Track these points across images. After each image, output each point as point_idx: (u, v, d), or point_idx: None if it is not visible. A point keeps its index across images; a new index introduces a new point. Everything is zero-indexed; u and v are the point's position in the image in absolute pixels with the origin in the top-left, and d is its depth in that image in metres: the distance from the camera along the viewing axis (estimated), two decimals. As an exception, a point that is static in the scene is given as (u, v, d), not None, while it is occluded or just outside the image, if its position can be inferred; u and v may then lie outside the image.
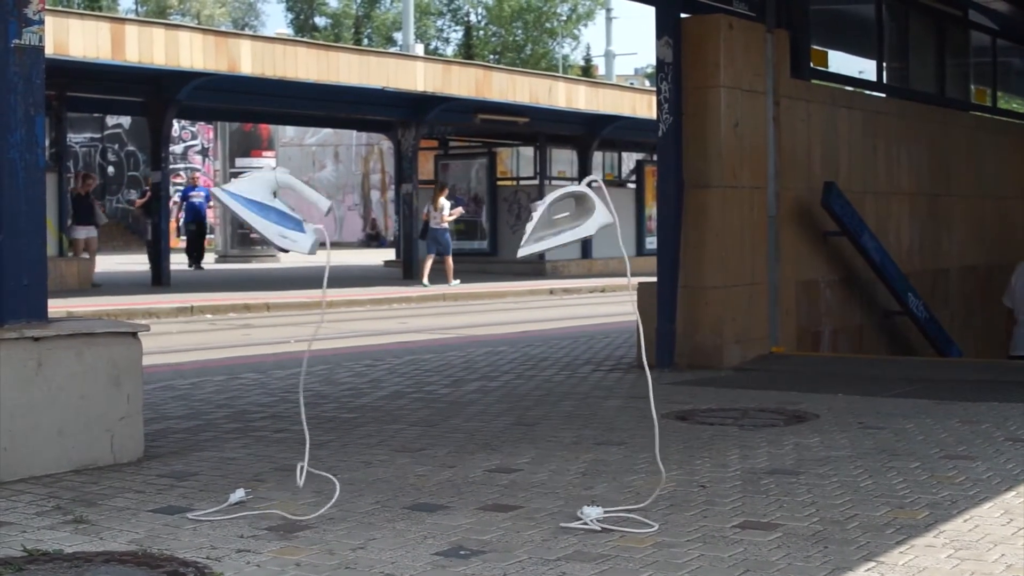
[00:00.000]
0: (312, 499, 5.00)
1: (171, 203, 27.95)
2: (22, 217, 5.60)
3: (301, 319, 17.37)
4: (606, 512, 4.62)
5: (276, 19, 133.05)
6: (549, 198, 4.76)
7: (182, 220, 30.78)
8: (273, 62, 22.01)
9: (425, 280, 23.50)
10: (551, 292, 23.66)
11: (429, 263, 23.95)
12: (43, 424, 5.54)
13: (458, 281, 23.61)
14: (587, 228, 4.72)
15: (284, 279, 25.27)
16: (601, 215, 4.70)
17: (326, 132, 51.52)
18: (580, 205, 4.77)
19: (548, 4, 73.95)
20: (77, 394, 5.69)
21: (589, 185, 4.86)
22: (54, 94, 20.99)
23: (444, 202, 24.07)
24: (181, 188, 30.36)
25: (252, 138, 35.70)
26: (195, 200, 29.22)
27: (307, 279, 25.37)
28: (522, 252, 4.80)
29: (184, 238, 31.51)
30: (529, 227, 4.71)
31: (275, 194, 4.74)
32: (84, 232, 22.25)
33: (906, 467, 5.67)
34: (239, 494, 4.86)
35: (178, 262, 28.29)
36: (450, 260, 24.09)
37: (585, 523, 4.52)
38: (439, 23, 77.48)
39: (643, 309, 10.30)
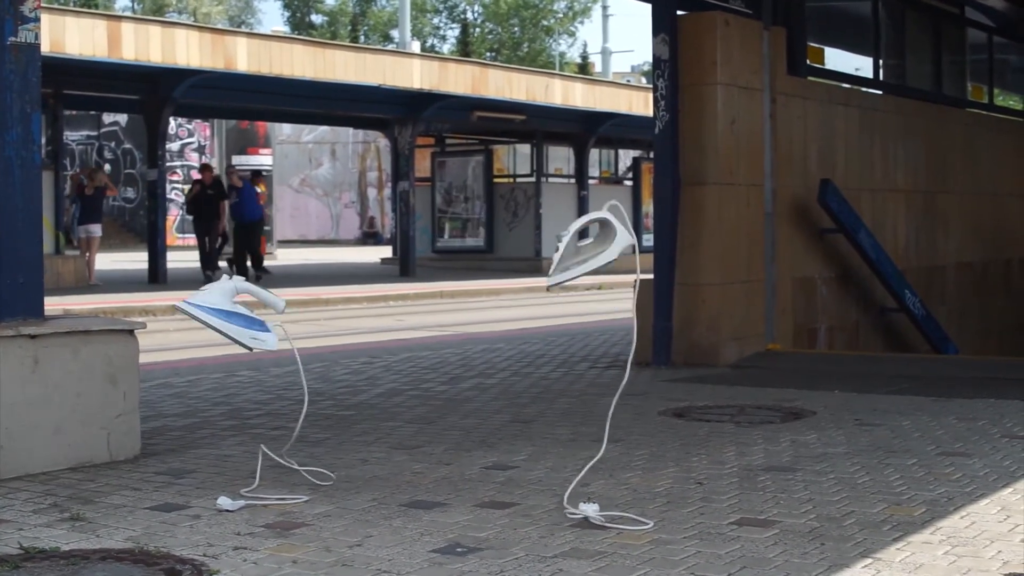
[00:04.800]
0: (309, 496, 5.00)
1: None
2: (18, 215, 5.59)
3: (297, 316, 17.37)
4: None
5: (272, 17, 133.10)
6: (574, 226, 4.84)
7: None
8: (269, 60, 22.02)
9: None
10: (547, 290, 23.64)
11: None
12: (40, 422, 5.54)
13: None
14: (610, 253, 4.82)
15: (280, 277, 25.26)
16: (623, 239, 4.81)
17: (323, 130, 51.55)
18: (603, 230, 4.87)
19: (544, 1, 73.94)
20: (74, 392, 5.68)
21: (610, 211, 4.93)
22: (50, 92, 20.98)
23: None
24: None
25: (249, 135, 35.75)
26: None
27: (302, 277, 25.40)
28: (550, 283, 4.87)
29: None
30: (556, 257, 4.79)
31: (234, 301, 5.20)
32: (84, 231, 22.21)
33: (903, 464, 5.67)
34: (225, 501, 4.83)
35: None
36: None
37: (585, 516, 4.53)
38: (435, 20, 77.49)
39: (640, 306, 10.31)
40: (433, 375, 9.39)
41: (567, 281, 4.89)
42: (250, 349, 5.20)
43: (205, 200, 23.51)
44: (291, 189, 53.33)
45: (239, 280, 5.22)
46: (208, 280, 22.10)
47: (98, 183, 22.47)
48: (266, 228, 27.98)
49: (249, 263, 23.87)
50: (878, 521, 4.56)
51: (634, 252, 4.85)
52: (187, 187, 24.37)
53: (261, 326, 5.15)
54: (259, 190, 27.02)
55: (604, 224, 4.86)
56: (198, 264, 23.93)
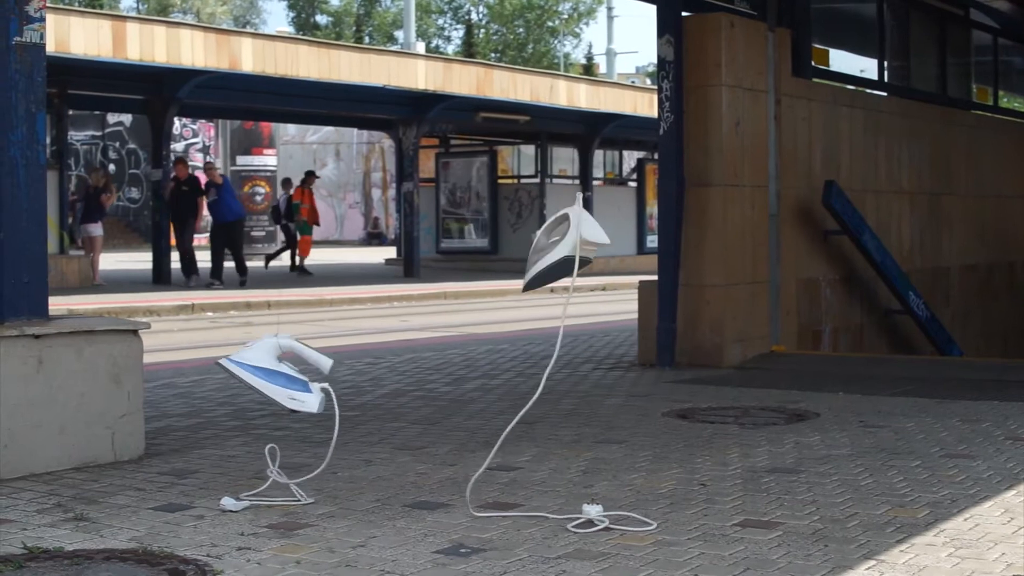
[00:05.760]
0: (313, 496, 5.00)
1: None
2: (23, 215, 5.60)
3: (301, 317, 17.38)
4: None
5: (277, 17, 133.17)
6: (548, 222, 4.64)
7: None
8: (274, 60, 22.02)
9: None
10: (552, 290, 23.66)
11: None
12: (44, 421, 5.55)
13: None
14: (556, 254, 4.56)
15: (285, 277, 25.26)
16: (570, 241, 4.50)
17: (327, 130, 51.52)
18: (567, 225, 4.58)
19: (549, 2, 73.93)
20: (78, 392, 5.69)
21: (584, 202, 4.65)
22: (55, 92, 20.98)
23: None
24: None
25: (253, 136, 35.75)
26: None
27: (308, 277, 25.38)
28: (524, 287, 4.74)
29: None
30: (529, 256, 4.62)
31: (279, 358, 5.04)
32: (83, 231, 22.25)
33: (906, 466, 5.67)
34: (229, 501, 4.83)
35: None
36: None
37: (591, 520, 4.52)
38: (440, 21, 77.49)
39: (644, 308, 10.32)
40: (437, 376, 9.39)
41: (533, 279, 4.64)
42: (291, 411, 5.05)
43: (179, 197, 22.03)
44: (295, 189, 53.34)
45: (284, 337, 5.08)
46: (212, 285, 21.31)
47: (95, 183, 22.50)
48: (315, 227, 27.17)
49: (233, 268, 22.39)
50: (881, 523, 4.56)
51: (576, 264, 4.52)
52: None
53: (303, 386, 5.02)
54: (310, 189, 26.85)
55: (563, 219, 4.57)
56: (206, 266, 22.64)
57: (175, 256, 22.44)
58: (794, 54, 10.93)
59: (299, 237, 26.70)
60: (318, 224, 27.42)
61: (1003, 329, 15.95)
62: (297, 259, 26.80)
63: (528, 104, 27.27)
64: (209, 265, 22.25)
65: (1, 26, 5.53)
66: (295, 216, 26.40)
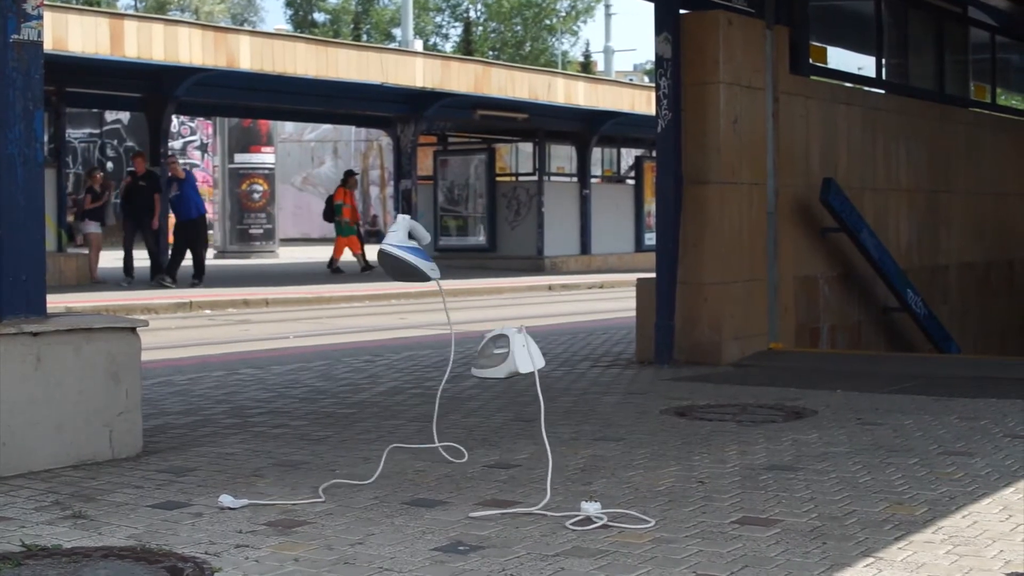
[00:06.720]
0: (310, 494, 5.00)
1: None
2: (20, 212, 5.60)
3: (300, 315, 17.37)
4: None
5: (275, 15, 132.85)
6: (492, 334, 5.19)
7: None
8: (272, 58, 22.02)
9: None
10: (550, 288, 23.67)
11: None
12: (42, 419, 5.54)
13: None
14: (498, 371, 5.16)
15: (282, 275, 25.26)
16: (510, 365, 5.13)
17: (325, 128, 51.50)
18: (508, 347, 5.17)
19: (547, 0, 73.91)
20: (76, 389, 5.69)
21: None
22: (53, 89, 20.95)
23: None
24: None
25: (251, 134, 35.70)
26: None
27: (305, 275, 25.38)
28: (473, 372, 5.32)
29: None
30: (479, 348, 5.25)
31: (409, 235, 5.54)
32: (81, 228, 22.26)
33: (905, 463, 5.67)
34: (227, 499, 4.83)
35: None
36: None
37: (589, 517, 4.52)
38: (438, 19, 77.45)
39: (642, 305, 10.32)
40: (435, 373, 9.39)
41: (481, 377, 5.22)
42: (428, 279, 5.51)
43: (136, 192, 20.91)
44: (293, 187, 53.31)
45: (405, 217, 5.51)
46: (162, 285, 20.47)
47: (89, 184, 22.53)
48: (364, 228, 26.86)
49: (187, 268, 21.33)
50: (880, 520, 4.56)
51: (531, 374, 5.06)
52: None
53: (430, 259, 5.54)
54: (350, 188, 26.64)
55: (505, 341, 5.17)
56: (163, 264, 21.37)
57: (172, 255, 22.29)
58: (792, 52, 10.93)
59: (342, 237, 26.62)
60: (358, 222, 27.37)
61: (1001, 327, 15.96)
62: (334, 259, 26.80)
63: (526, 102, 27.27)
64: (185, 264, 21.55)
65: (-1, 23, 5.53)
66: (338, 216, 26.35)
